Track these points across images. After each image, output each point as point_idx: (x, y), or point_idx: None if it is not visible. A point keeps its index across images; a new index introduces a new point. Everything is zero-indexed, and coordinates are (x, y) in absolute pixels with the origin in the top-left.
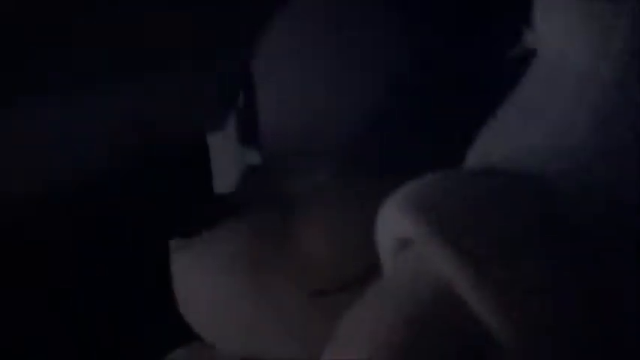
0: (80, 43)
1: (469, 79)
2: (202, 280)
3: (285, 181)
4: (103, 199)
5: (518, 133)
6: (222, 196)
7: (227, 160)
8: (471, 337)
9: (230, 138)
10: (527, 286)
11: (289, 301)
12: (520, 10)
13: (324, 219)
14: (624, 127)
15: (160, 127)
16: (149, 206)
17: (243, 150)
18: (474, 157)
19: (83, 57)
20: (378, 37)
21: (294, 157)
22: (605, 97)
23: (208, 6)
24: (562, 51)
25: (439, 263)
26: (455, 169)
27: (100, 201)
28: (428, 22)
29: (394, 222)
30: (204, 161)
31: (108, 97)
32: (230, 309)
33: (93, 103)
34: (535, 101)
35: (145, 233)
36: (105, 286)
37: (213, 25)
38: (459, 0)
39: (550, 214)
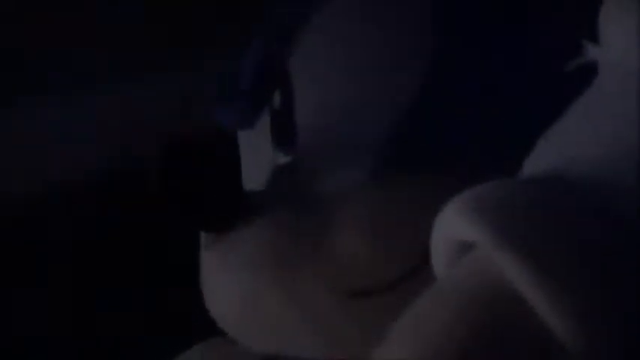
0: (80, 43)
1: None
2: (227, 278)
3: (317, 181)
4: (103, 199)
5: (577, 143)
6: (250, 194)
7: (256, 159)
8: (535, 338)
9: (260, 136)
10: (593, 291)
11: (317, 300)
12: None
13: (360, 219)
14: None
15: (162, 127)
16: (149, 206)
17: (273, 149)
18: (530, 167)
19: (83, 57)
20: (413, 36)
21: (327, 156)
22: None
23: (208, 6)
24: (625, 61)
25: (503, 265)
26: (512, 177)
27: (100, 201)
28: (465, 23)
29: (455, 225)
30: (233, 159)
31: (108, 97)
32: (255, 307)
33: (93, 103)
34: (596, 111)
35: (145, 233)
36: (105, 286)
37: (212, 25)
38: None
39: (605, 221)
